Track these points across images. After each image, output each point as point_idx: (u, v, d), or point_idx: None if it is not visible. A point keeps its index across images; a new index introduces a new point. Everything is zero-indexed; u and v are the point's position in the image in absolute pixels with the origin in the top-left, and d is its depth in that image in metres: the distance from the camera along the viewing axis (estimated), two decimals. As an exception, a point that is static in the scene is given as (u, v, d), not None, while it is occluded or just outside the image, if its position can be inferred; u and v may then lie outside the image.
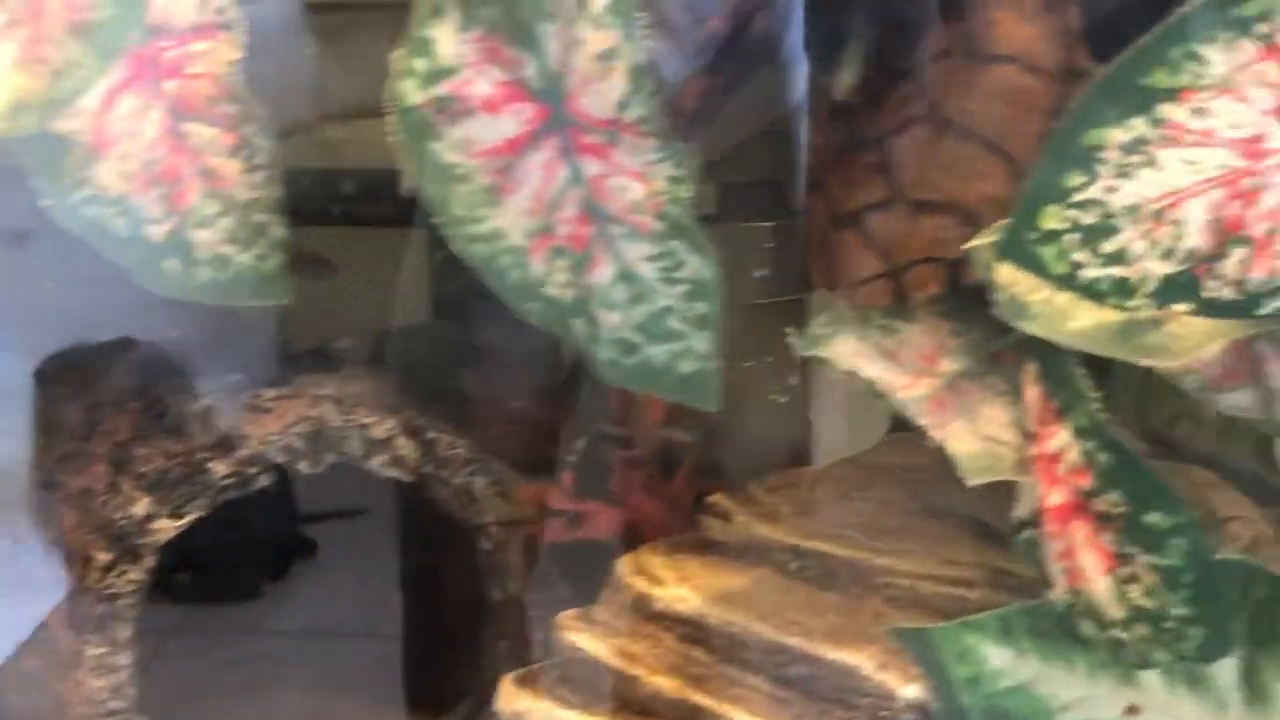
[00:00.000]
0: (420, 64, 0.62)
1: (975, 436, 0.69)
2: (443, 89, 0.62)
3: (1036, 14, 0.72)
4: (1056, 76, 0.71)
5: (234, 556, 1.18)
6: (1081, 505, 0.64)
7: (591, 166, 0.65)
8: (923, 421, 0.66)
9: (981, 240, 0.64)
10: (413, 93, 0.62)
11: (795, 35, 0.75)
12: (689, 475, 0.90)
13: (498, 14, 0.63)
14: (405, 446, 0.87)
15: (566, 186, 0.65)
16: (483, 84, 0.63)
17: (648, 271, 0.66)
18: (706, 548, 0.81)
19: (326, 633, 1.13)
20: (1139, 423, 0.88)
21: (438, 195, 0.63)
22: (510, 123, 0.63)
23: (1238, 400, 0.67)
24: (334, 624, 1.13)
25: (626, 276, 0.66)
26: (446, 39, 0.62)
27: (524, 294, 0.64)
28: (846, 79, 0.73)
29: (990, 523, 0.76)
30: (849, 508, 0.82)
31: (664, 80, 0.68)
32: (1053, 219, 0.59)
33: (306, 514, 1.22)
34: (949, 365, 0.71)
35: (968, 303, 0.70)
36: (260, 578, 1.21)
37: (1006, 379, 0.69)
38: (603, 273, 0.65)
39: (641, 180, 0.66)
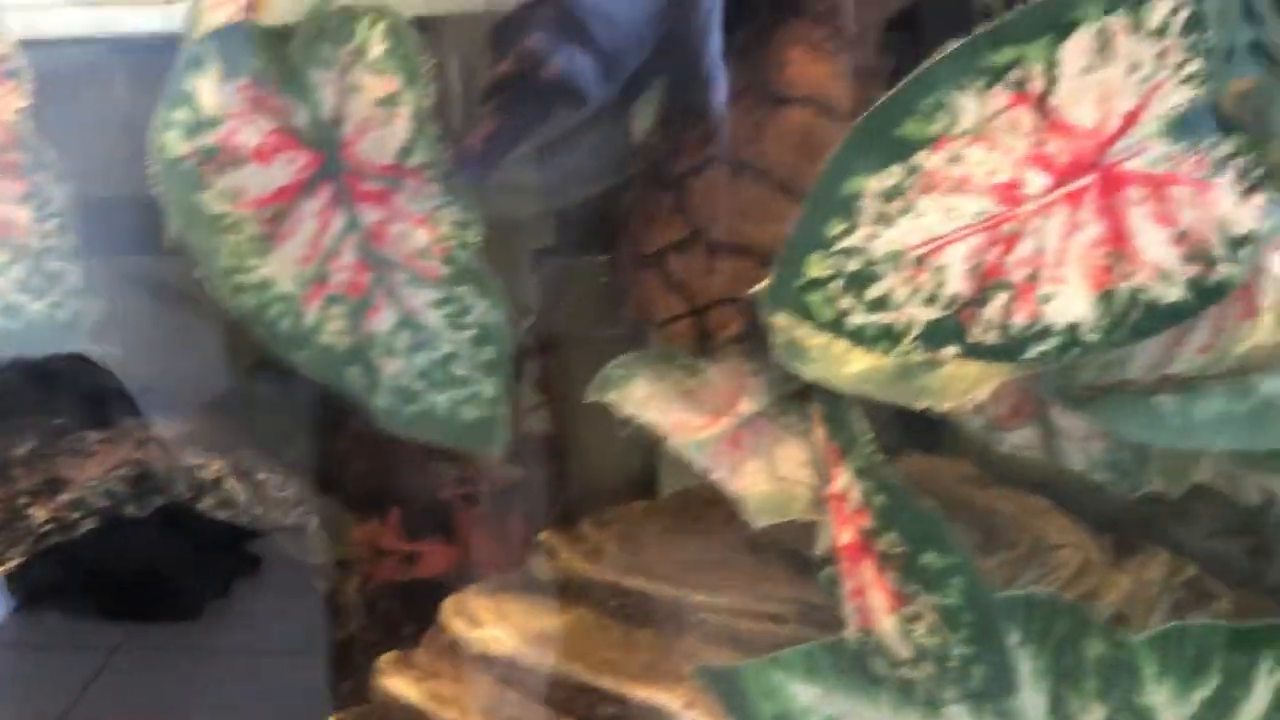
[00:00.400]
0: (182, 115, 0.62)
1: (770, 476, 0.69)
2: (208, 140, 0.62)
3: (832, 54, 0.72)
4: (853, 117, 0.71)
5: (176, 574, 1.17)
6: (867, 545, 0.65)
7: (370, 213, 0.65)
8: (703, 465, 0.66)
9: (763, 285, 0.64)
10: (176, 144, 0.61)
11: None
12: (526, 512, 0.89)
13: (265, 62, 0.63)
14: (235, 488, 0.86)
15: (343, 234, 0.64)
16: (250, 133, 0.62)
17: (432, 318, 0.66)
18: (530, 587, 0.81)
19: (267, 651, 1.12)
20: (982, 451, 0.89)
21: (204, 246, 0.63)
22: (281, 171, 0.63)
23: (1021, 438, 0.67)
24: (275, 642, 1.12)
25: (408, 323, 0.65)
26: (209, 90, 0.62)
27: (295, 343, 0.64)
28: (645, 120, 0.73)
29: (810, 556, 0.76)
30: (673, 543, 0.82)
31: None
32: (817, 266, 0.60)
33: (248, 529, 1.21)
34: (748, 405, 0.72)
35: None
36: (202, 595, 1.20)
37: (804, 418, 0.70)
38: (383, 319, 0.65)
39: (426, 226, 0.66)
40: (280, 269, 0.64)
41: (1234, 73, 0.61)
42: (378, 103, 0.65)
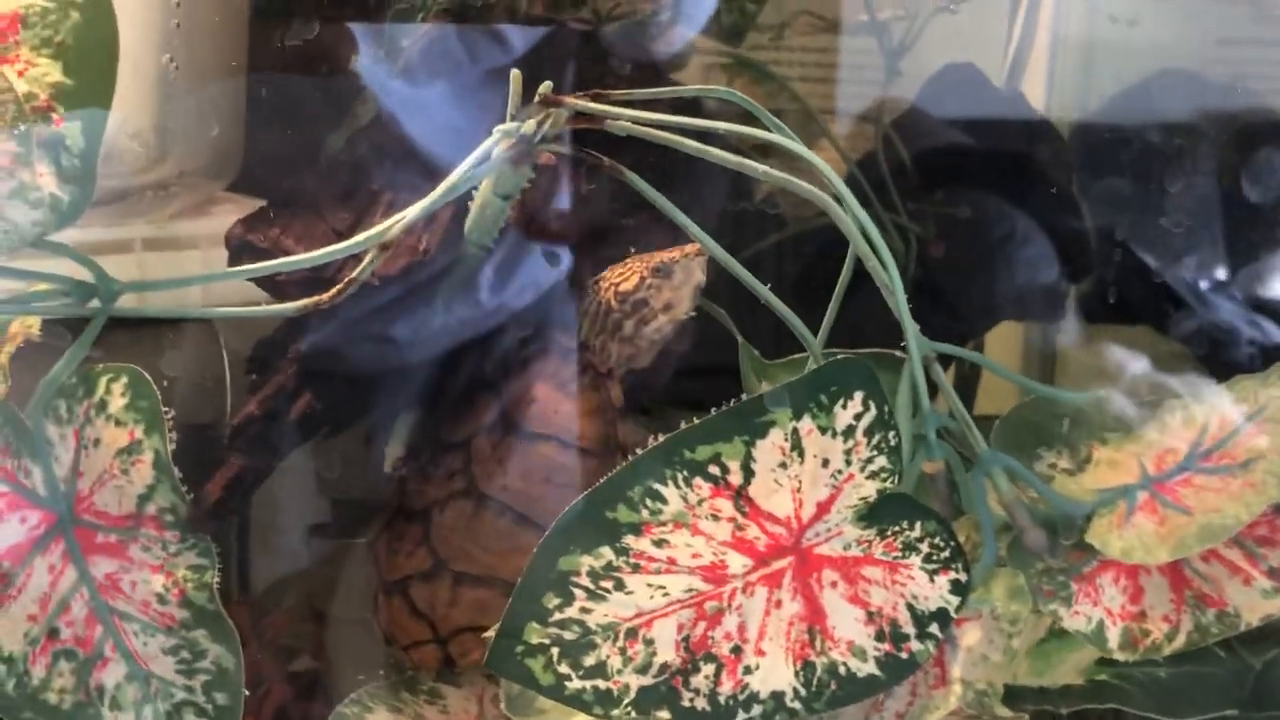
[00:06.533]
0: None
1: (502, 812, 0.70)
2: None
3: (578, 392, 0.75)
4: (596, 453, 0.75)
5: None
6: None
7: (103, 565, 0.65)
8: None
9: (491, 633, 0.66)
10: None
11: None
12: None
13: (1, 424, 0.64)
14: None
15: (74, 588, 0.65)
16: (-20, 499, 0.63)
17: (165, 666, 0.66)
18: None
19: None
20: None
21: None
22: (12, 531, 0.64)
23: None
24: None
25: (138, 674, 0.66)
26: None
27: (18, 705, 0.64)
28: (394, 451, 0.75)
29: None
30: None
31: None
32: (536, 634, 0.62)
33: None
34: (486, 735, 0.73)
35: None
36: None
37: (545, 749, 0.71)
38: (113, 672, 0.65)
39: (162, 572, 0.66)
40: (7, 630, 0.64)
41: (928, 455, 0.66)
42: (117, 454, 0.66)
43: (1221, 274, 1.09)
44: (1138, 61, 1.15)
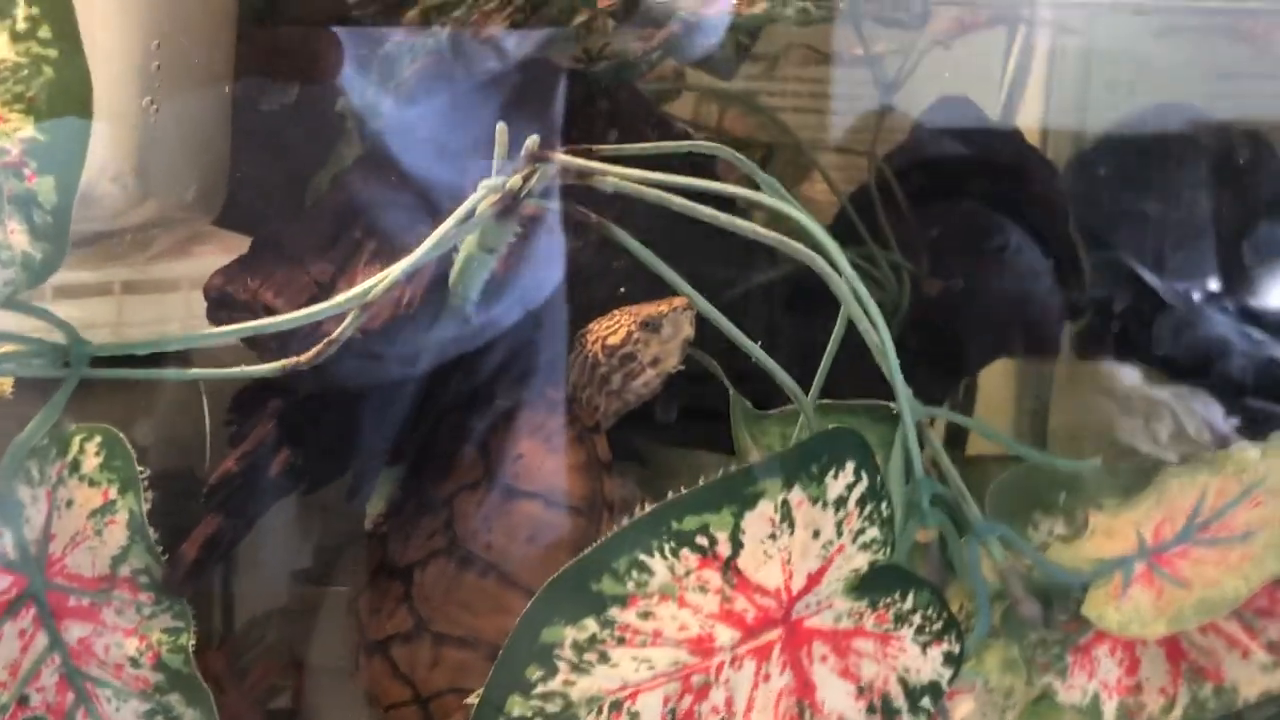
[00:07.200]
0: None
1: None
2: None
3: (565, 448, 0.74)
4: (584, 510, 0.73)
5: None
6: None
7: (76, 629, 0.64)
8: None
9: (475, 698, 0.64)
10: None
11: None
12: None
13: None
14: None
15: (45, 653, 0.63)
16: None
17: (139, 732, 0.65)
18: None
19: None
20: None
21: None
22: (-19, 597, 0.62)
23: None
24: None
25: (111, 742, 0.64)
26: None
27: (-15, 778, 0.62)
28: (375, 507, 0.73)
29: None
30: None
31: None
32: (519, 706, 0.60)
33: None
34: (468, 799, 0.72)
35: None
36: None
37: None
38: (83, 740, 0.64)
39: (136, 635, 0.65)
40: (-27, 700, 0.62)
41: (921, 523, 0.64)
42: (91, 514, 0.64)
43: (1215, 309, 1.08)
44: (1134, 96, 1.14)
